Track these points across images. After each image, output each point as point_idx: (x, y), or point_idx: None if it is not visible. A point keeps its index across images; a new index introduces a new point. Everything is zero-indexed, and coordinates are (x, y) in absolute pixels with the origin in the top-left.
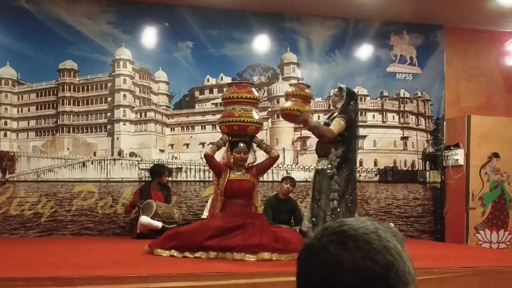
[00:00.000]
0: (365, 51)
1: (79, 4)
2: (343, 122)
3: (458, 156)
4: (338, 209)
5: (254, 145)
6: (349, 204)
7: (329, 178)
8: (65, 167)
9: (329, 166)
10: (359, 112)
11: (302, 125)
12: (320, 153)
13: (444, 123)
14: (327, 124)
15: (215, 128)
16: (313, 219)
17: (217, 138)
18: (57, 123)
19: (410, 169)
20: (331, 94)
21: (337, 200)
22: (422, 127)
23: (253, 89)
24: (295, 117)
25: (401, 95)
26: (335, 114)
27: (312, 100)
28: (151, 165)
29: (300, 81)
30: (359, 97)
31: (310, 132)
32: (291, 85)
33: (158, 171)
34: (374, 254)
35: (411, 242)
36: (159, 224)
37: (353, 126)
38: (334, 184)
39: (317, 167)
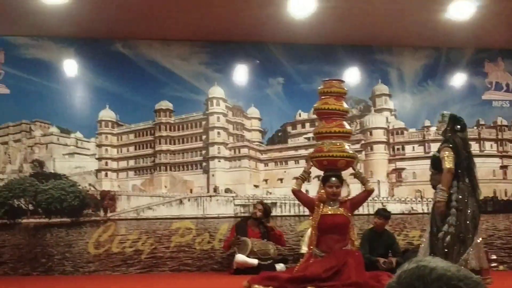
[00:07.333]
0: (458, 80)
1: (173, 46)
2: (447, 152)
3: None
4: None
5: (348, 178)
6: (461, 235)
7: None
8: (163, 205)
9: (437, 198)
10: (468, 139)
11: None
12: (434, 186)
13: None
14: (436, 158)
15: None
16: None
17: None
18: (154, 162)
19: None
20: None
21: (448, 232)
22: None
23: (344, 123)
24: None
25: (499, 123)
26: (441, 146)
27: (345, 96)
28: (246, 201)
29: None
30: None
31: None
32: (322, 81)
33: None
34: (479, 285)
35: None
36: (254, 261)
37: (459, 152)
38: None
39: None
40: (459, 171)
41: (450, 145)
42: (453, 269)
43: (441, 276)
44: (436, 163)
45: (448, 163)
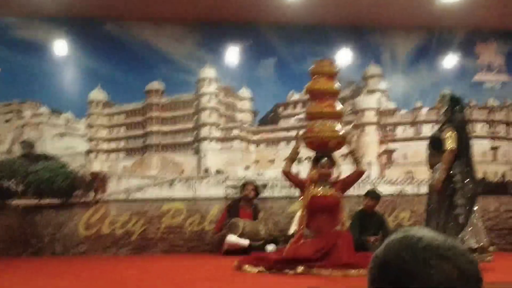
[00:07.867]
0: (450, 61)
1: (165, 27)
2: (452, 132)
3: None
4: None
5: (339, 159)
6: (458, 217)
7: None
8: (154, 186)
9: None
10: (467, 120)
11: None
12: (432, 165)
13: None
14: (437, 138)
15: None
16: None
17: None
18: (145, 143)
19: (501, 180)
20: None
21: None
22: None
23: (335, 103)
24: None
25: (490, 104)
26: (443, 126)
27: (336, 76)
28: (237, 182)
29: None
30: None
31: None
32: (314, 62)
33: (241, 187)
34: (467, 254)
35: (504, 255)
36: (246, 242)
37: (461, 133)
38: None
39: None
40: (459, 151)
41: (454, 126)
42: (440, 239)
43: (429, 245)
44: (436, 143)
45: (452, 143)
